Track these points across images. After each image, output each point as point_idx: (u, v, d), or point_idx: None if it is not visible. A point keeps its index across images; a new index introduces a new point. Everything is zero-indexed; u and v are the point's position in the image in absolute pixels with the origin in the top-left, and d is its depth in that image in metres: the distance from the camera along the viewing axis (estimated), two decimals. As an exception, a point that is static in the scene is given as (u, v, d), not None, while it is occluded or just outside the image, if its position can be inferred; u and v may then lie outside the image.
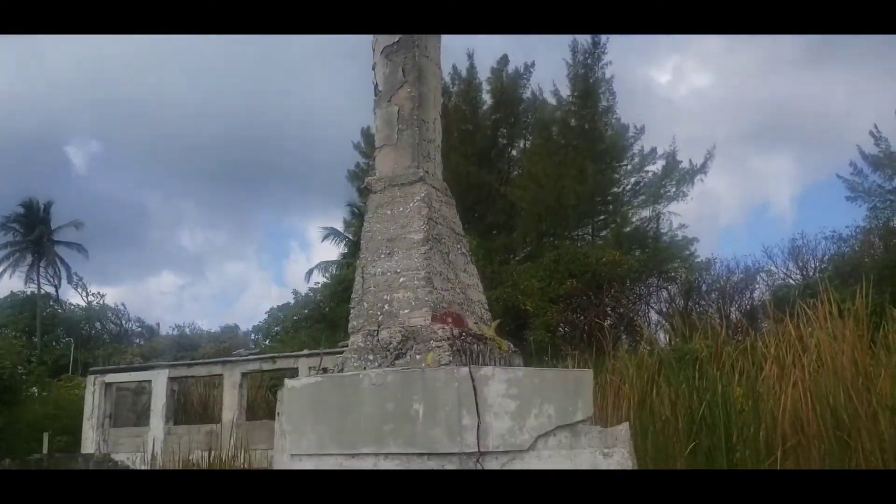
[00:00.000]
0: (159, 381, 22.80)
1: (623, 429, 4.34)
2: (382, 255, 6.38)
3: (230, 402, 22.14)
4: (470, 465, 4.14)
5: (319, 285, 38.10)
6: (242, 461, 13.01)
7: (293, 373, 23.39)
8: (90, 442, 22.24)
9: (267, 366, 23.13)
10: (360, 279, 6.48)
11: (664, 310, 30.20)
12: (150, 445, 19.53)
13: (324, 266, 39.42)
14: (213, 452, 13.04)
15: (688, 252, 33.92)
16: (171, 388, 23.12)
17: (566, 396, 4.24)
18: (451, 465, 4.18)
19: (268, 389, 26.46)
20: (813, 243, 31.28)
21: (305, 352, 22.86)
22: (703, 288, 31.60)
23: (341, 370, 5.70)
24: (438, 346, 5.71)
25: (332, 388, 4.62)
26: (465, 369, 4.23)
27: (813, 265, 32.01)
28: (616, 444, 4.29)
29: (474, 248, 7.73)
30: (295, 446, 4.63)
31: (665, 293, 31.30)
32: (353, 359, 5.81)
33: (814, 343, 8.51)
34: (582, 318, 28.18)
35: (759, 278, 31.30)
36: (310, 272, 39.93)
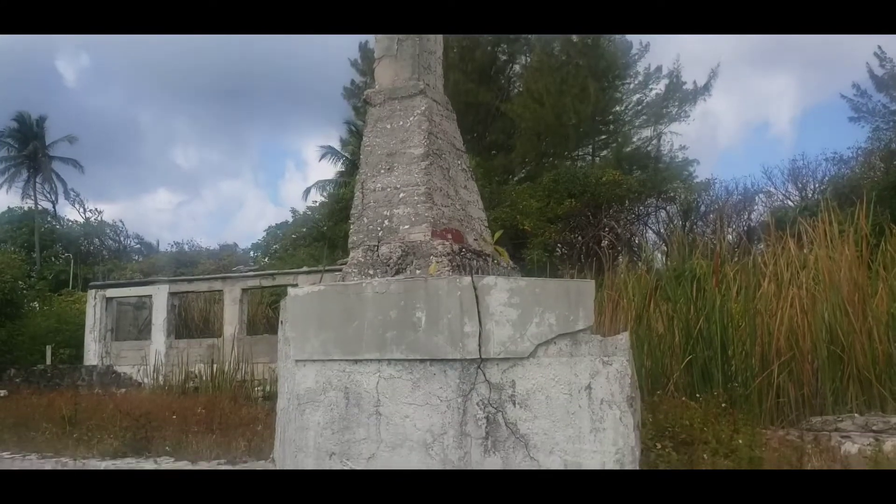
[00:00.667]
0: (160, 296, 22.95)
1: (623, 338, 4.39)
2: (382, 171, 6.33)
3: (231, 317, 22.35)
4: (471, 370, 4.21)
5: (317, 204, 38.02)
6: (244, 373, 13.25)
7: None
8: (93, 354, 22.52)
9: (266, 282, 23.25)
10: (360, 194, 6.45)
11: (662, 230, 30.31)
12: (153, 358, 19.87)
13: (321, 185, 39.21)
14: (215, 365, 13.25)
15: (687, 173, 33.74)
16: (172, 303, 23.28)
17: (567, 306, 4.26)
18: (452, 370, 4.24)
19: (268, 306, 26.69)
20: (813, 164, 31.16)
21: (305, 269, 22.94)
22: (702, 209, 31.64)
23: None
24: (438, 262, 5.74)
25: (335, 297, 4.65)
26: (467, 279, 4.25)
27: (812, 186, 31.97)
28: (616, 352, 4.35)
29: (472, 168, 7.69)
30: (299, 352, 4.69)
31: (664, 213, 31.36)
32: (354, 273, 5.83)
33: (812, 260, 8.56)
34: (580, 238, 28.27)
35: (757, 199, 31.33)
36: (307, 191, 39.78)
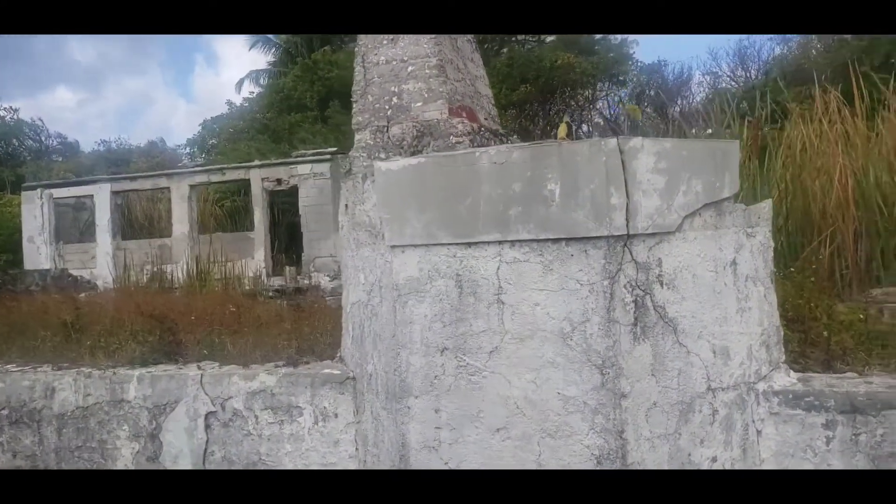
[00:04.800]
0: (102, 195, 21.55)
1: (766, 206, 3.92)
2: (385, 41, 5.56)
3: (180, 216, 21.26)
4: (618, 249, 3.65)
5: (254, 95, 36.27)
6: (224, 272, 12.52)
7: (243, 184, 22.45)
8: (44, 257, 21.14)
9: (216, 177, 22.06)
10: (361, 69, 5.68)
11: (611, 114, 30.01)
12: (103, 261, 18.82)
13: (255, 75, 37.41)
14: (195, 265, 12.48)
15: (632, 52, 33.26)
16: (116, 203, 21.97)
17: (714, 171, 3.73)
18: (595, 250, 3.67)
19: (214, 203, 25.55)
20: (758, 45, 31.33)
21: (256, 162, 21.80)
22: (651, 93, 31.40)
23: (349, 171, 5.11)
24: (459, 142, 5.15)
25: (438, 170, 3.95)
26: (613, 141, 3.62)
27: (757, 67, 32.10)
28: (759, 222, 3.90)
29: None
30: (396, 237, 4.03)
31: (615, 98, 31.06)
32: (363, 157, 5.23)
33: (839, 133, 8.26)
34: (533, 125, 27.77)
35: (703, 80, 31.36)
36: (240, 82, 37.96)
